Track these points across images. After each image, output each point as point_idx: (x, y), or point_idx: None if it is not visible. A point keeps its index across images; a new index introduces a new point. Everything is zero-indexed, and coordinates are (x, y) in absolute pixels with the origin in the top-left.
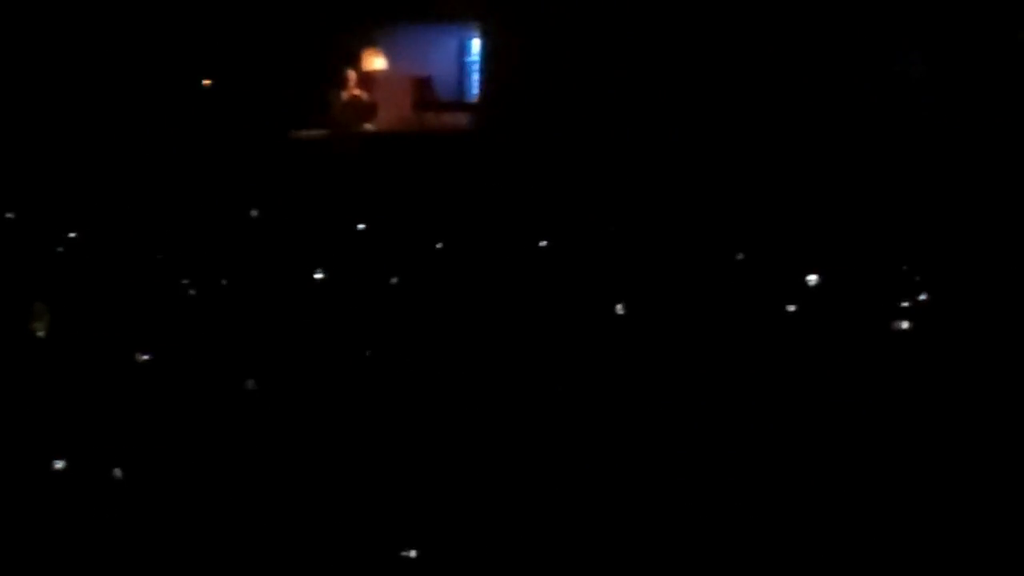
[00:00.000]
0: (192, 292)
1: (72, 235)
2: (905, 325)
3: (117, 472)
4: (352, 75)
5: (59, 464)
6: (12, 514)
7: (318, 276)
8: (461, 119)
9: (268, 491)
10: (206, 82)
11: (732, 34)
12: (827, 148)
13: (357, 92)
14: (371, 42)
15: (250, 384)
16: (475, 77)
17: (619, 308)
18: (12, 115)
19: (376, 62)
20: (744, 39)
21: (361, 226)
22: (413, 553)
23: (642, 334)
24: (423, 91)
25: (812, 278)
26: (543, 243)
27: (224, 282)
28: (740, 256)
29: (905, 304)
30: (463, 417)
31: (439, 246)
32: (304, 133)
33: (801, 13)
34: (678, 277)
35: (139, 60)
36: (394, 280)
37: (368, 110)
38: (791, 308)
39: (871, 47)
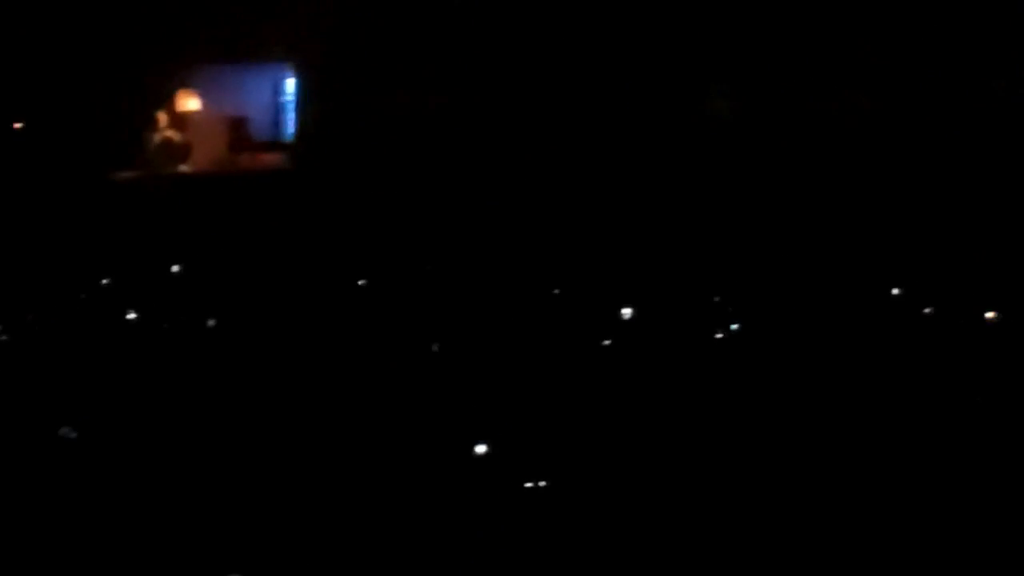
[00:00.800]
0: (3, 337)
1: None
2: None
3: None
4: (165, 116)
5: None
6: None
7: (131, 317)
8: (277, 159)
9: (82, 539)
10: (16, 125)
11: (537, 76)
12: (637, 182)
13: (170, 133)
14: (185, 83)
15: (64, 431)
16: (290, 117)
17: (435, 347)
18: None
19: (190, 103)
20: (546, 85)
21: (175, 268)
22: None
23: (459, 370)
24: (238, 131)
25: (626, 312)
26: (361, 282)
27: (36, 326)
28: (556, 291)
29: (719, 335)
30: (282, 456)
31: (256, 287)
32: (117, 175)
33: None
34: (495, 313)
35: None
36: (211, 322)
37: (182, 151)
38: (606, 342)
39: (683, 86)
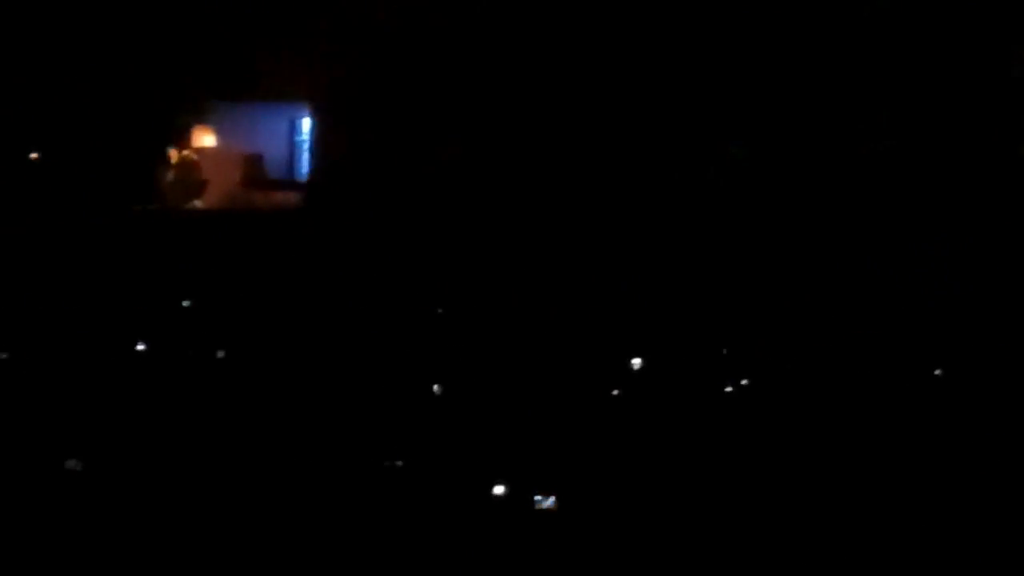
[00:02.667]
0: (17, 368)
1: None
2: None
3: None
4: (181, 152)
5: None
6: None
7: (140, 349)
8: (290, 198)
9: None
10: (33, 156)
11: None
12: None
13: (186, 169)
14: (202, 119)
15: (71, 463)
16: (305, 156)
17: (436, 388)
18: None
19: (206, 139)
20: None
21: (186, 303)
22: None
23: (465, 413)
24: (253, 169)
25: (636, 362)
26: (370, 320)
27: (48, 357)
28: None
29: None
30: (286, 491)
31: (266, 322)
32: (132, 209)
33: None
34: (498, 356)
35: None
36: (220, 354)
37: (197, 187)
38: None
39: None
